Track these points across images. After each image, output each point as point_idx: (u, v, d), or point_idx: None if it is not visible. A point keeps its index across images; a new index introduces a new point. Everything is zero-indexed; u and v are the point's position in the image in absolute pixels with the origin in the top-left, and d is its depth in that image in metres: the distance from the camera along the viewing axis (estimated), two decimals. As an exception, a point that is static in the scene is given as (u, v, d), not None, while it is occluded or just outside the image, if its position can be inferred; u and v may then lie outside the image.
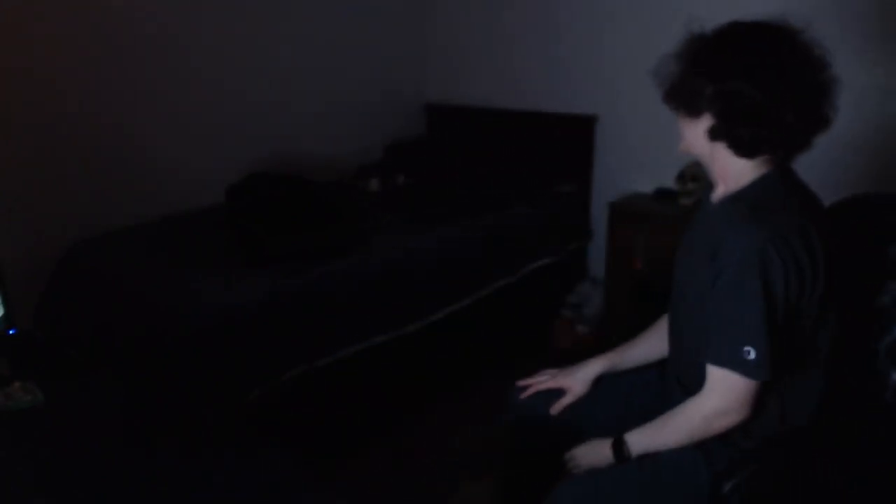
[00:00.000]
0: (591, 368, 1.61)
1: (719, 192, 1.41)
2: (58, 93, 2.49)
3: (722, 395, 1.30)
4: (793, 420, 1.37)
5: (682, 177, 2.80)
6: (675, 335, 1.52)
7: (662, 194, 2.95)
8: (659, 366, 1.60)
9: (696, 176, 2.70)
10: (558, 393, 1.61)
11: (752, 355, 1.25)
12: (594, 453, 1.44)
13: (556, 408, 1.59)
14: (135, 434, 1.36)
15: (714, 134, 1.33)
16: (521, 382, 1.67)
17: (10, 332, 1.67)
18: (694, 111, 1.34)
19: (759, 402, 1.30)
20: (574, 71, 3.22)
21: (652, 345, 1.62)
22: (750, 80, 1.27)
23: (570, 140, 3.25)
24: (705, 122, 1.33)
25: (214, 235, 2.54)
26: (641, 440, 1.39)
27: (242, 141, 3.04)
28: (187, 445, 1.32)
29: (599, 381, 1.61)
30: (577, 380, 1.60)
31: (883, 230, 1.48)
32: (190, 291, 2.13)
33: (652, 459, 1.38)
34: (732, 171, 1.37)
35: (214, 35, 2.88)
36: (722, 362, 1.28)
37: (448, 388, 2.67)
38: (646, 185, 3.06)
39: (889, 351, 1.42)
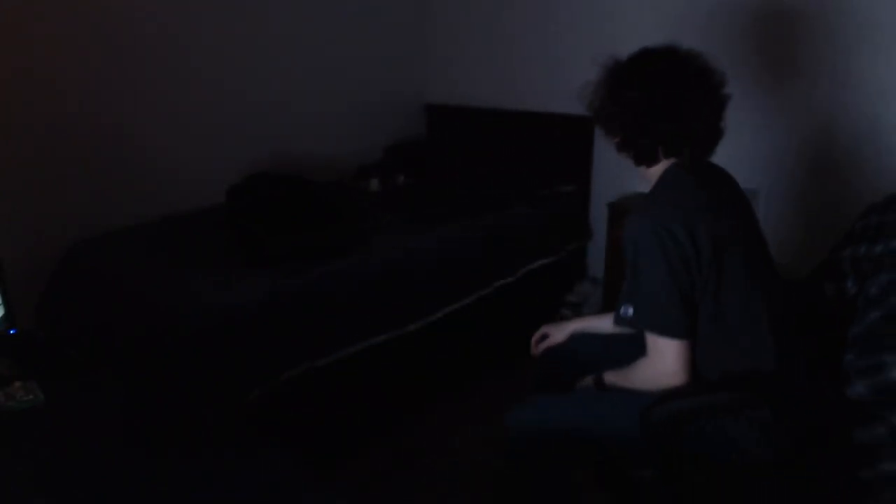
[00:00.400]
0: (571, 325, 1.95)
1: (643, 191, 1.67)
2: (58, 93, 2.49)
3: (654, 357, 1.51)
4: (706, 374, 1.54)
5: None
6: None
7: (662, 194, 2.95)
8: None
9: None
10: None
11: (630, 312, 1.51)
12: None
13: (537, 349, 1.96)
14: (135, 434, 1.36)
15: (620, 148, 1.60)
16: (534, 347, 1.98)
17: (11, 331, 1.67)
18: (610, 131, 1.60)
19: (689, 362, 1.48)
20: (574, 71, 3.21)
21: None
22: (643, 97, 1.50)
23: (569, 140, 3.25)
24: (617, 139, 1.59)
25: (214, 235, 2.54)
26: (613, 379, 1.64)
27: (242, 141, 3.04)
28: (187, 445, 1.32)
29: (581, 337, 1.92)
30: (558, 330, 1.95)
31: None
32: (190, 291, 2.13)
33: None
34: (648, 173, 1.62)
35: (214, 35, 2.89)
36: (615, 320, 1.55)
37: (448, 388, 2.67)
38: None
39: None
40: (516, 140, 3.34)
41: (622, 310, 1.53)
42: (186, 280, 2.19)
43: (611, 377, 1.64)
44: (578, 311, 3.11)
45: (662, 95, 1.50)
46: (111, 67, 2.61)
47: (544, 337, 1.96)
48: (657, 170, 1.59)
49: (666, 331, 1.47)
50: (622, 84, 1.55)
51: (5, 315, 1.65)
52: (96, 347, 2.14)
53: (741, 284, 1.48)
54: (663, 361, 1.49)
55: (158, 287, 2.20)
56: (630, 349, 1.64)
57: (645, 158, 1.58)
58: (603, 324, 1.89)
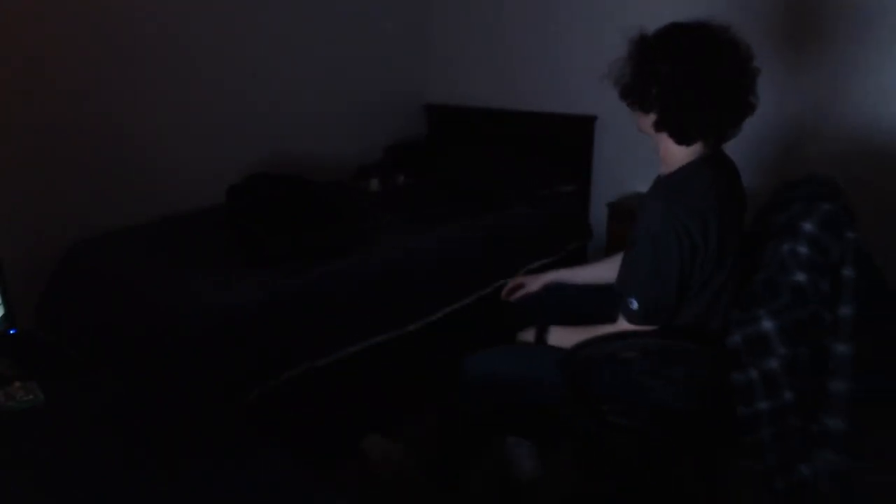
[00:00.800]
0: (546, 276, 2.07)
1: (660, 172, 1.71)
2: (58, 93, 2.49)
3: (622, 329, 1.66)
4: None
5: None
6: None
7: (662, 194, 2.95)
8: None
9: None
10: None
11: (635, 306, 1.60)
12: (528, 334, 1.83)
13: (508, 294, 2.08)
14: (135, 434, 1.36)
15: (659, 126, 1.60)
16: (506, 292, 2.13)
17: (11, 331, 1.67)
18: (644, 107, 1.61)
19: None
20: (574, 71, 3.22)
21: (599, 271, 2.02)
22: (684, 76, 1.52)
23: (570, 140, 3.25)
24: (652, 115, 1.60)
25: (214, 235, 2.54)
26: (558, 335, 1.76)
27: (242, 141, 3.04)
28: (187, 445, 1.32)
29: (555, 288, 2.05)
30: (534, 280, 2.08)
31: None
32: (190, 291, 2.13)
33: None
34: (671, 157, 1.65)
35: (214, 35, 2.89)
36: (620, 308, 1.65)
37: (448, 388, 2.67)
38: (645, 185, 3.02)
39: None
40: (516, 140, 3.35)
41: (628, 302, 1.61)
42: (186, 280, 2.19)
43: (557, 332, 1.76)
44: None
45: (693, 67, 1.51)
46: (111, 67, 2.61)
47: (519, 288, 2.10)
48: (681, 157, 1.63)
49: (655, 323, 1.62)
50: (653, 58, 1.56)
51: (5, 315, 1.65)
52: (96, 347, 2.14)
53: (734, 263, 1.62)
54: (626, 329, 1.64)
55: (158, 287, 2.20)
56: (599, 302, 1.84)
57: (682, 135, 1.59)
58: (577, 276, 2.04)
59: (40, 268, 2.46)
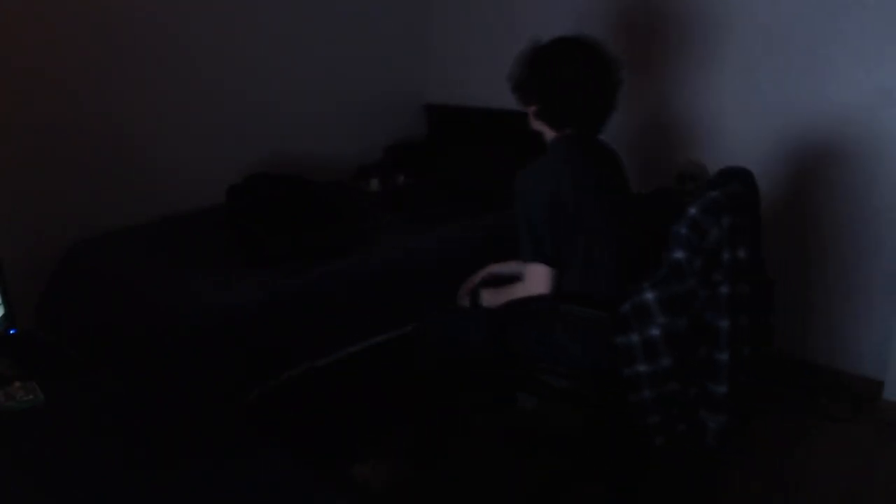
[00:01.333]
0: (483, 270, 2.27)
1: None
2: (57, 93, 2.49)
3: (528, 280, 1.96)
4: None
5: (680, 177, 2.79)
6: None
7: (662, 194, 2.95)
8: None
9: (694, 176, 2.70)
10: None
11: (525, 253, 1.94)
12: (463, 300, 2.17)
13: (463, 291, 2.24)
14: (135, 434, 1.36)
15: (538, 115, 2.02)
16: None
17: (11, 331, 1.67)
18: (527, 101, 2.03)
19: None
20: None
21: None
22: (557, 78, 1.95)
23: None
24: (533, 107, 2.02)
25: (214, 235, 2.54)
26: (488, 296, 2.08)
27: (242, 141, 3.04)
28: (187, 445, 1.32)
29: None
30: (472, 277, 2.27)
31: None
32: (190, 291, 2.13)
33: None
34: (547, 141, 2.04)
35: (214, 35, 2.88)
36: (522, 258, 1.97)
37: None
38: (644, 186, 3.06)
39: None
40: (517, 140, 3.34)
41: (522, 254, 1.96)
42: (186, 280, 2.19)
43: (488, 296, 2.08)
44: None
45: (565, 73, 1.93)
46: (111, 67, 2.61)
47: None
48: (549, 139, 2.03)
49: (537, 257, 1.91)
50: (540, 62, 1.98)
51: (5, 315, 1.65)
52: (96, 347, 2.14)
53: (600, 227, 1.93)
54: (535, 283, 1.92)
55: (158, 287, 2.20)
56: None
57: (554, 123, 1.99)
58: (510, 267, 2.22)
59: (40, 268, 2.46)
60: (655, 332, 1.71)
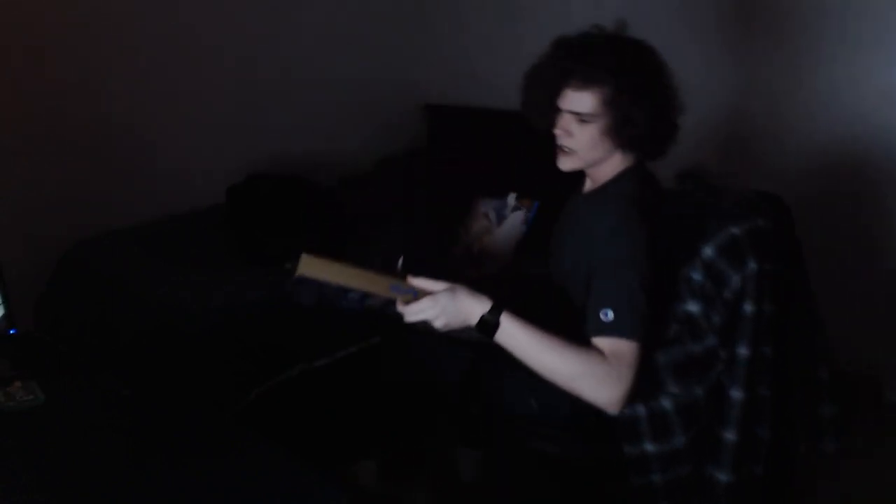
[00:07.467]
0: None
1: (588, 186, 1.59)
2: (58, 93, 2.49)
3: (613, 360, 1.30)
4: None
5: (681, 177, 2.78)
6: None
7: (662, 194, 2.94)
8: None
9: (698, 175, 2.68)
10: None
11: (610, 316, 1.32)
12: (454, 305, 1.39)
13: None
14: (135, 434, 1.36)
15: (609, 132, 1.43)
16: None
17: (11, 332, 1.67)
18: (590, 114, 1.43)
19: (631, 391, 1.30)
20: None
21: None
22: (640, 86, 1.39)
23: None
24: (600, 122, 1.42)
25: (214, 235, 2.54)
26: (512, 333, 1.34)
27: (242, 141, 3.04)
28: (186, 445, 1.33)
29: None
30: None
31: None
32: (190, 291, 2.13)
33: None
34: (604, 167, 1.50)
35: (214, 35, 2.88)
36: (593, 332, 1.34)
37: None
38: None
39: None
40: (515, 140, 3.33)
41: (602, 314, 1.33)
42: (186, 280, 2.19)
43: (516, 327, 1.34)
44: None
45: (658, 83, 1.44)
46: (111, 67, 2.61)
47: None
48: (610, 170, 1.52)
49: (634, 333, 1.32)
50: (652, 63, 1.46)
51: (5, 315, 1.65)
52: (96, 347, 2.14)
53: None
54: (622, 369, 1.30)
55: (158, 287, 2.20)
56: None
57: (645, 148, 1.48)
58: None
59: (40, 268, 2.46)
60: (666, 403, 1.39)
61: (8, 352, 1.62)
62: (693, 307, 1.37)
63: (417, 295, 1.41)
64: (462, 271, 1.83)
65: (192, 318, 2.02)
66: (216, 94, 2.93)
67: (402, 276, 1.45)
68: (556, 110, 1.49)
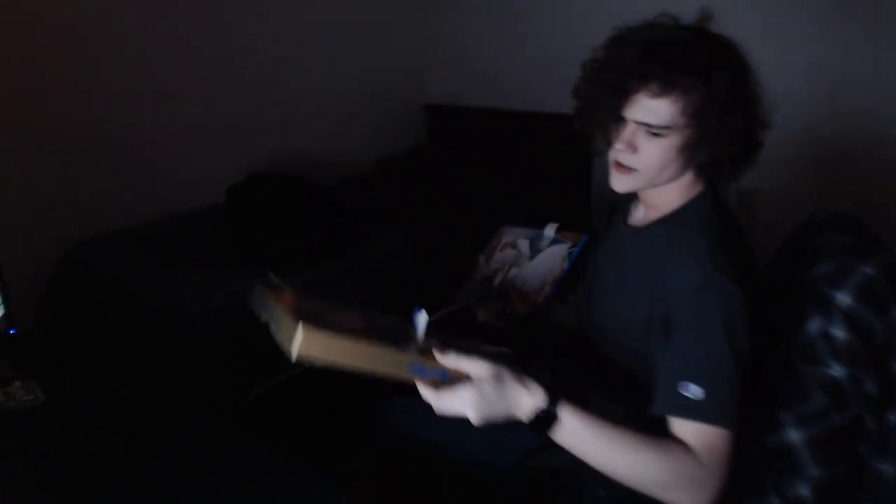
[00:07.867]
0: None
1: (641, 215, 1.29)
2: (58, 93, 2.49)
3: (705, 454, 1.02)
4: None
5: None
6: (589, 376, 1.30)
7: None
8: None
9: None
10: None
11: (699, 394, 1.04)
12: (498, 395, 1.03)
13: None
14: (135, 434, 1.36)
15: (686, 150, 1.14)
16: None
17: (11, 331, 1.67)
18: (666, 126, 1.13)
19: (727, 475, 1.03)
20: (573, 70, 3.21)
21: None
22: (732, 94, 1.11)
23: (570, 140, 3.23)
24: (677, 136, 1.14)
25: (214, 235, 2.54)
26: (581, 427, 1.02)
27: (242, 141, 3.04)
28: (186, 445, 1.32)
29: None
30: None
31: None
32: (190, 291, 2.13)
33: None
34: (668, 191, 1.22)
35: (214, 35, 2.89)
36: (673, 409, 1.06)
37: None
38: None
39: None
40: (515, 140, 3.34)
41: (686, 390, 1.05)
42: (186, 280, 2.19)
43: (580, 435, 1.03)
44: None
45: (750, 91, 1.15)
46: (111, 67, 2.61)
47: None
48: (686, 189, 1.21)
49: (722, 419, 1.03)
50: (744, 67, 1.16)
51: (5, 315, 1.65)
52: (96, 347, 2.14)
53: None
54: (716, 463, 1.02)
55: (158, 287, 2.19)
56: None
57: (729, 170, 1.18)
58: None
59: (40, 268, 2.46)
60: (804, 491, 1.13)
61: (8, 352, 1.62)
62: (837, 371, 1.10)
63: (448, 377, 1.06)
64: (477, 311, 1.55)
65: (192, 318, 2.02)
66: (216, 94, 2.93)
67: (427, 348, 1.12)
68: (619, 118, 1.18)
